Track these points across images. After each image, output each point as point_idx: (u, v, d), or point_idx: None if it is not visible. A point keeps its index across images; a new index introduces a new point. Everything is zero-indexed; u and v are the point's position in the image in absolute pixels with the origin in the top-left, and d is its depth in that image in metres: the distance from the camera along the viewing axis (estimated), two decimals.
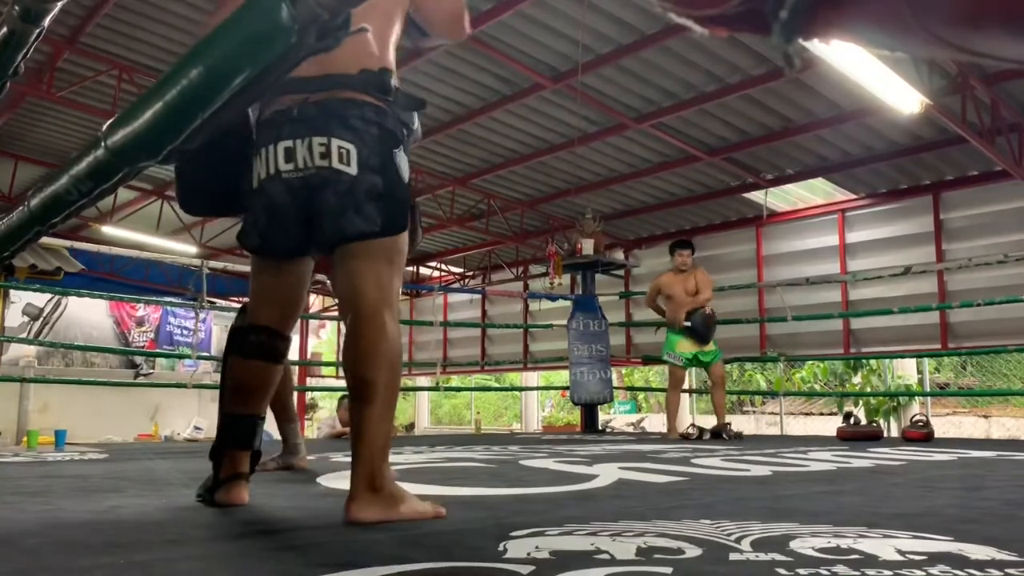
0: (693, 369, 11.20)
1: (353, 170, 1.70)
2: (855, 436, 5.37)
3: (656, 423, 14.60)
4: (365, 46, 1.77)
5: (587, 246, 7.34)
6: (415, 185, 8.73)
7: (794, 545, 1.25)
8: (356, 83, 1.75)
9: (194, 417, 10.52)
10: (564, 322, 7.76)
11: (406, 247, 1.82)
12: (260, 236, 1.81)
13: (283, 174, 1.72)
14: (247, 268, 7.42)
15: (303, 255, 1.90)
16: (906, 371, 11.35)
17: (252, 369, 1.88)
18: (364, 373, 1.65)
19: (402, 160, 1.80)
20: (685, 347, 6.06)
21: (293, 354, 15.31)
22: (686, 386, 11.76)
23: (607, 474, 2.66)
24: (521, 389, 15.85)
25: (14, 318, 10.36)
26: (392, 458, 3.42)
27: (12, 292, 9.77)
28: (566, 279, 9.05)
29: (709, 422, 6.29)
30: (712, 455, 3.66)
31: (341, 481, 2.47)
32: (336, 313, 14.71)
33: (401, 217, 1.77)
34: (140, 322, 13.10)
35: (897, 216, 8.07)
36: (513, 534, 1.35)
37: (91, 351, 10.87)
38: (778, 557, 1.16)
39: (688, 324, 5.98)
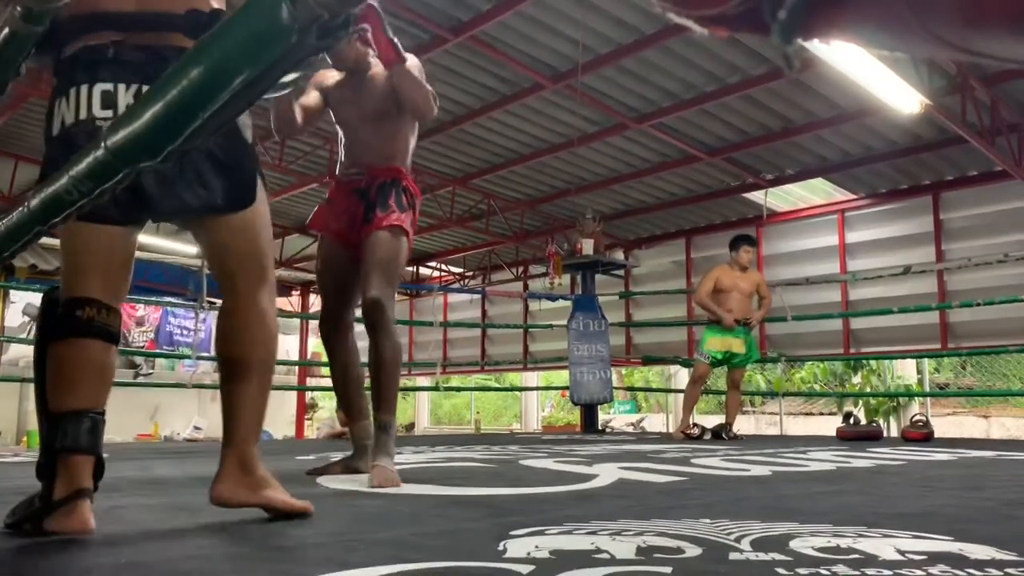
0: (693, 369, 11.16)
1: None
2: (855, 436, 5.37)
3: (656, 423, 14.59)
4: None
5: (587, 246, 7.34)
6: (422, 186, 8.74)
7: (794, 545, 1.25)
8: (185, 26, 1.51)
9: (194, 417, 10.53)
10: (564, 322, 7.76)
11: (269, 218, 1.69)
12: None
13: (98, 121, 1.44)
14: None
15: (128, 223, 1.61)
16: (906, 371, 11.36)
17: (83, 350, 1.52)
18: (235, 351, 1.59)
19: (246, 123, 1.61)
20: (715, 345, 5.83)
21: (294, 354, 15.12)
22: (685, 385, 11.81)
23: (607, 474, 2.66)
24: (521, 389, 15.85)
25: (14, 318, 10.35)
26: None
27: (12, 292, 9.77)
28: (566, 279, 9.05)
29: (710, 422, 6.28)
30: (712, 455, 3.66)
31: (341, 482, 2.48)
32: None
33: (250, 188, 1.61)
34: (140, 322, 13.09)
35: (897, 216, 8.07)
36: (513, 534, 1.35)
37: None
38: (778, 557, 1.16)
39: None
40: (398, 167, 2.68)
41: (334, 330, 2.77)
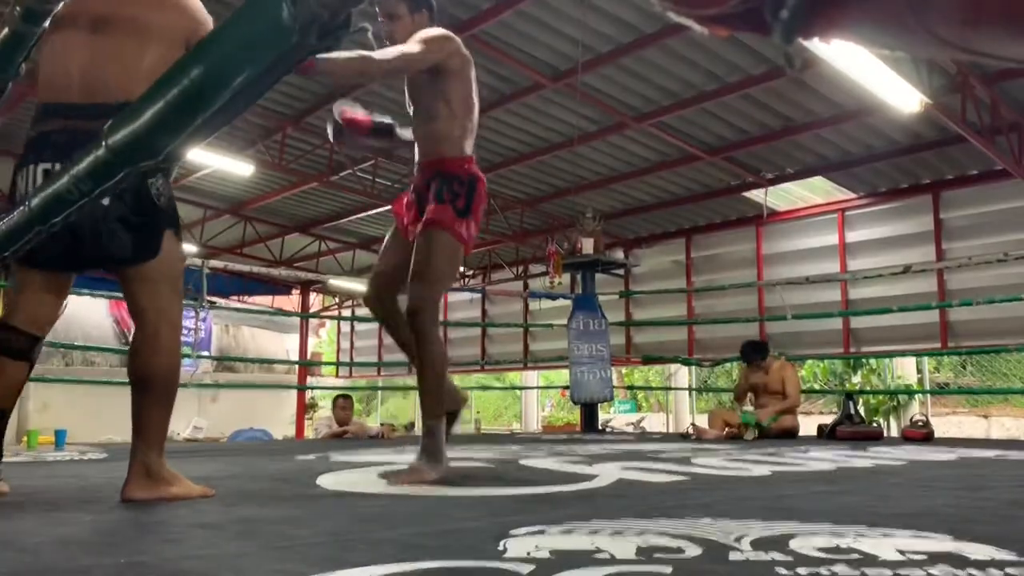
0: (693, 368, 11.17)
1: (106, 200, 1.79)
2: (855, 436, 5.36)
3: (656, 423, 14.60)
4: (132, 76, 1.89)
5: (587, 245, 7.33)
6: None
7: (794, 544, 1.25)
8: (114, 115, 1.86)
9: (193, 417, 10.52)
10: (564, 321, 7.76)
11: (178, 267, 2.05)
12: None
13: None
14: (248, 267, 7.35)
15: (66, 271, 2.03)
16: (906, 370, 11.36)
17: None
18: (138, 377, 1.96)
19: (160, 186, 1.95)
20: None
21: (294, 354, 15.10)
22: (686, 384, 11.83)
23: (607, 473, 2.66)
24: (521, 388, 15.85)
25: None
26: (393, 458, 3.43)
27: None
28: (566, 278, 9.05)
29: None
30: (712, 455, 3.66)
31: (341, 482, 2.48)
32: (335, 313, 14.74)
33: (152, 243, 1.94)
34: None
35: (897, 215, 8.07)
36: (513, 533, 1.35)
37: (91, 351, 10.86)
38: (778, 556, 1.16)
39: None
40: (441, 158, 2.60)
41: (377, 307, 2.71)
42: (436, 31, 2.54)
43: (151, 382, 1.96)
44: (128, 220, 1.89)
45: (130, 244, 1.90)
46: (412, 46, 2.43)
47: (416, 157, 2.67)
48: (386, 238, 2.78)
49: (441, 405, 2.46)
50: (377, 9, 2.56)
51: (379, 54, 2.36)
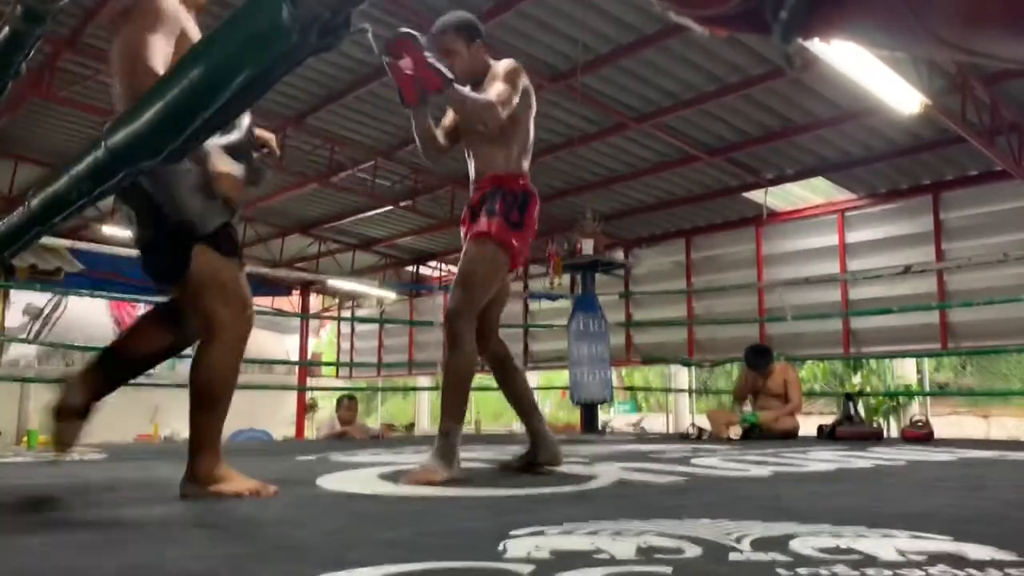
0: (693, 369, 11.18)
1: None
2: (855, 436, 5.36)
3: (656, 423, 14.60)
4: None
5: (587, 246, 7.33)
6: (415, 184, 8.75)
7: (794, 545, 1.25)
8: None
9: None
10: (564, 322, 7.76)
11: (216, 278, 2.05)
12: None
13: None
14: (247, 268, 7.43)
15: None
16: (906, 371, 11.36)
17: None
18: (190, 386, 2.06)
19: (173, 205, 2.03)
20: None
21: (294, 354, 15.03)
22: (686, 386, 11.83)
23: (607, 474, 2.66)
24: None
25: (14, 318, 10.35)
26: (393, 458, 3.43)
27: (12, 292, 9.76)
28: (566, 279, 9.05)
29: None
30: (712, 455, 3.66)
31: (341, 482, 2.48)
32: (334, 313, 14.73)
33: (176, 263, 2.03)
34: None
35: (897, 216, 8.06)
36: (513, 534, 1.35)
37: (91, 351, 10.85)
38: (778, 557, 1.16)
39: None
40: (496, 174, 2.76)
41: (496, 365, 2.84)
42: (511, 65, 2.72)
43: (192, 392, 2.05)
44: (151, 244, 2.04)
45: (162, 265, 2.06)
46: (505, 91, 2.62)
47: (472, 175, 2.80)
48: None
49: (461, 409, 2.51)
50: (436, 45, 2.66)
51: (492, 107, 2.55)
